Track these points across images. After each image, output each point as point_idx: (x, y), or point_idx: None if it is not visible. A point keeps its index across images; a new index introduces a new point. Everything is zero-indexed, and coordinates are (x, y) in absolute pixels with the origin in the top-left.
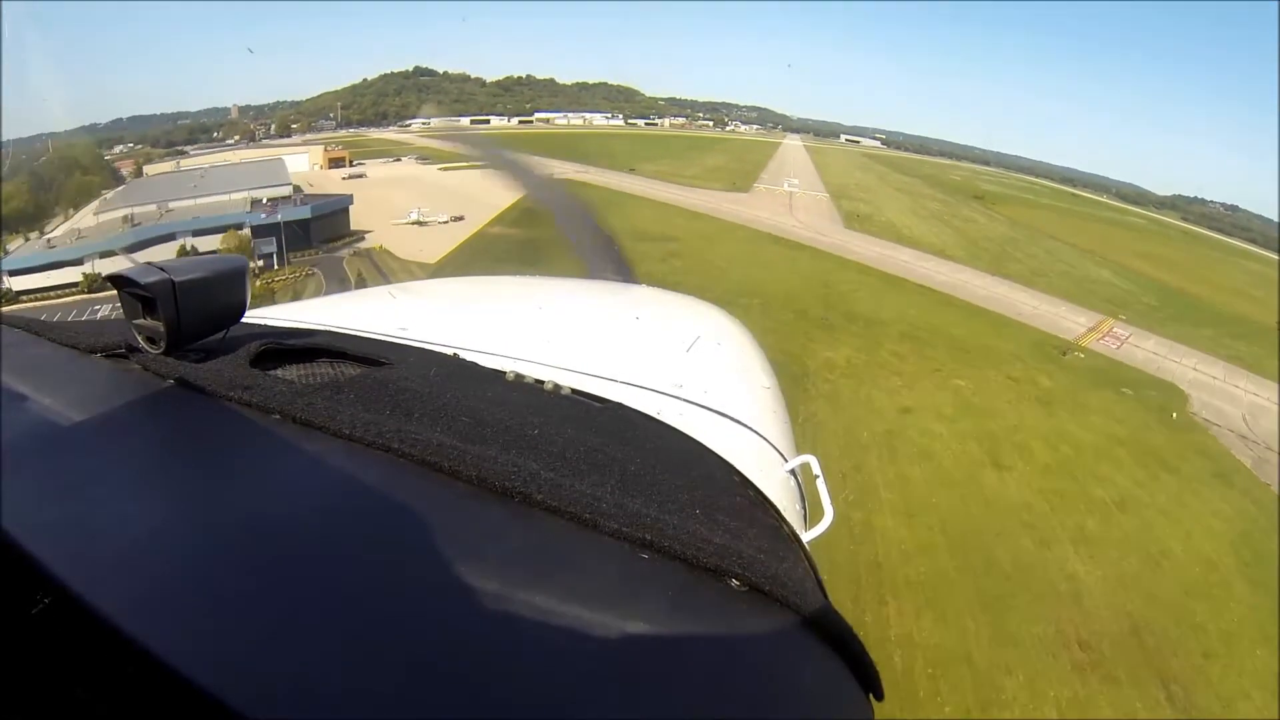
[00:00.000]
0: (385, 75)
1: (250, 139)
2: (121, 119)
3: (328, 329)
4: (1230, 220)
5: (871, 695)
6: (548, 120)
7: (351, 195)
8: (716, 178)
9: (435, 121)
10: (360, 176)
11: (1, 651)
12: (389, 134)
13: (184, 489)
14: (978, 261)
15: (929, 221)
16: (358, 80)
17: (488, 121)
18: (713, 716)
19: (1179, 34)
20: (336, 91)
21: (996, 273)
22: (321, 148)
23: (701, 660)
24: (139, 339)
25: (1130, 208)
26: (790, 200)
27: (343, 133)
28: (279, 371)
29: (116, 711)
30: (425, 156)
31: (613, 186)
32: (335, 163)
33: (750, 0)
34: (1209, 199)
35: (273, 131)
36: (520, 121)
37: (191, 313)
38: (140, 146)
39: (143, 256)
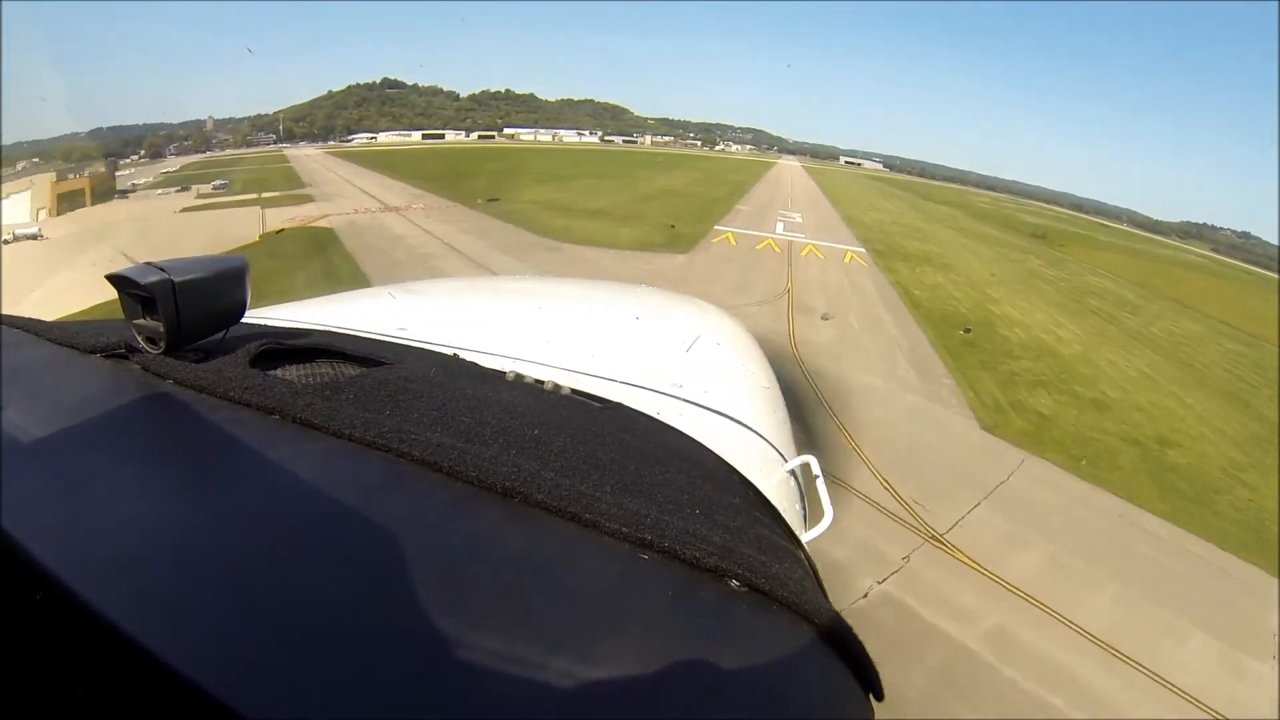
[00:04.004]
0: (350, 87)
1: (157, 154)
2: (101, 128)
3: (328, 329)
4: (1262, 252)
5: (871, 695)
6: (512, 136)
7: None
8: (646, 213)
9: (383, 137)
10: (30, 237)
11: (1, 651)
12: (307, 150)
13: (184, 489)
14: None
15: (1087, 324)
16: (322, 92)
17: (443, 137)
18: (712, 717)
19: (1165, 54)
20: (298, 105)
21: None
22: (51, 177)
23: (701, 660)
24: (139, 339)
25: (1170, 241)
26: (788, 259)
27: (270, 149)
28: (279, 371)
29: (116, 711)
30: (224, 182)
31: (364, 245)
32: (71, 198)
33: (747, 4)
34: (1218, 225)
35: (189, 145)
36: (480, 137)
37: (191, 313)
38: (37, 161)
39: None
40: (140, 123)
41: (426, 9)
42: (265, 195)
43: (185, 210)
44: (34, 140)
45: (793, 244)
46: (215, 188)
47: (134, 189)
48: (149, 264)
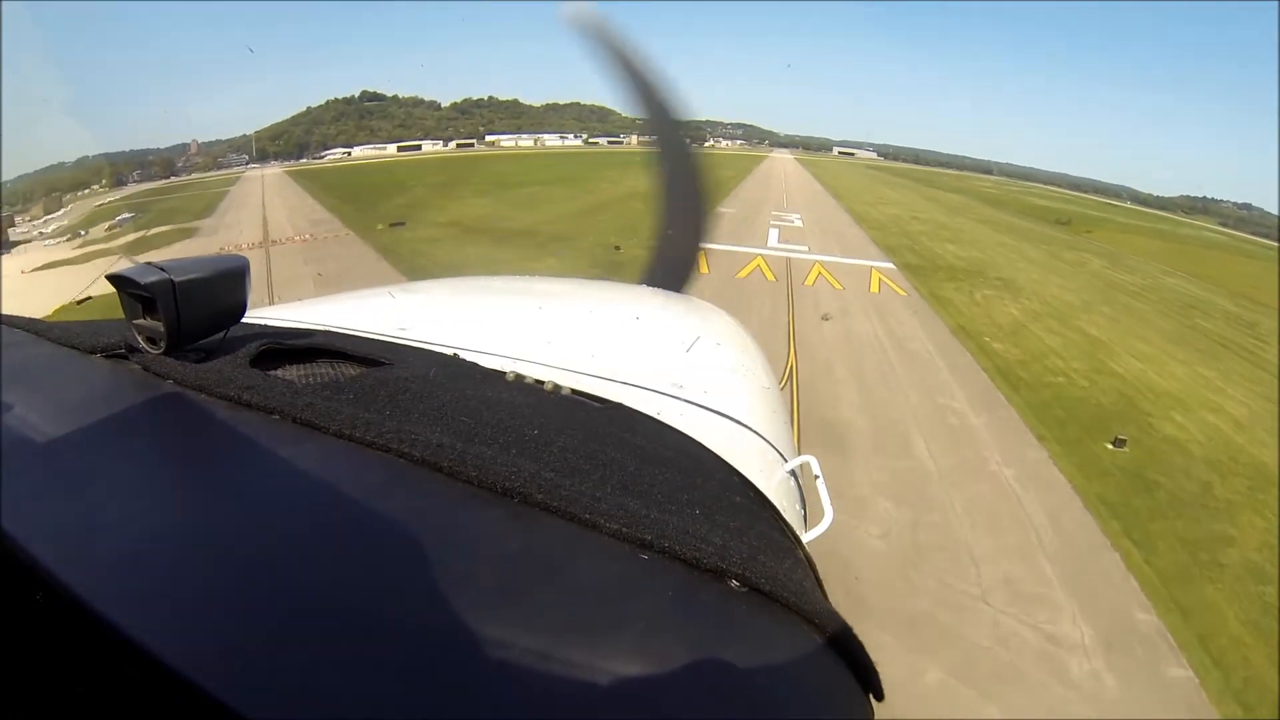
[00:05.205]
0: (329, 102)
1: (120, 182)
2: (88, 157)
3: (328, 329)
4: (1269, 224)
5: (871, 695)
6: (493, 143)
7: None
8: (589, 230)
9: (358, 151)
10: None
11: (1, 651)
12: (270, 170)
13: (184, 489)
14: None
15: (1231, 372)
16: (301, 109)
17: (419, 148)
18: (712, 718)
19: (1145, 31)
20: (277, 123)
21: None
22: None
23: (701, 661)
24: (139, 339)
25: (1181, 218)
26: (788, 295)
27: (236, 170)
28: (279, 371)
29: (116, 711)
30: (128, 216)
31: None
32: None
33: (736, 5)
34: (1219, 198)
35: (155, 171)
36: (459, 145)
37: (192, 313)
38: None
39: None
40: (128, 149)
41: (418, 13)
42: (153, 231)
43: (36, 270)
44: (17, 176)
45: (792, 264)
46: (117, 223)
47: (39, 236)
48: (149, 264)
